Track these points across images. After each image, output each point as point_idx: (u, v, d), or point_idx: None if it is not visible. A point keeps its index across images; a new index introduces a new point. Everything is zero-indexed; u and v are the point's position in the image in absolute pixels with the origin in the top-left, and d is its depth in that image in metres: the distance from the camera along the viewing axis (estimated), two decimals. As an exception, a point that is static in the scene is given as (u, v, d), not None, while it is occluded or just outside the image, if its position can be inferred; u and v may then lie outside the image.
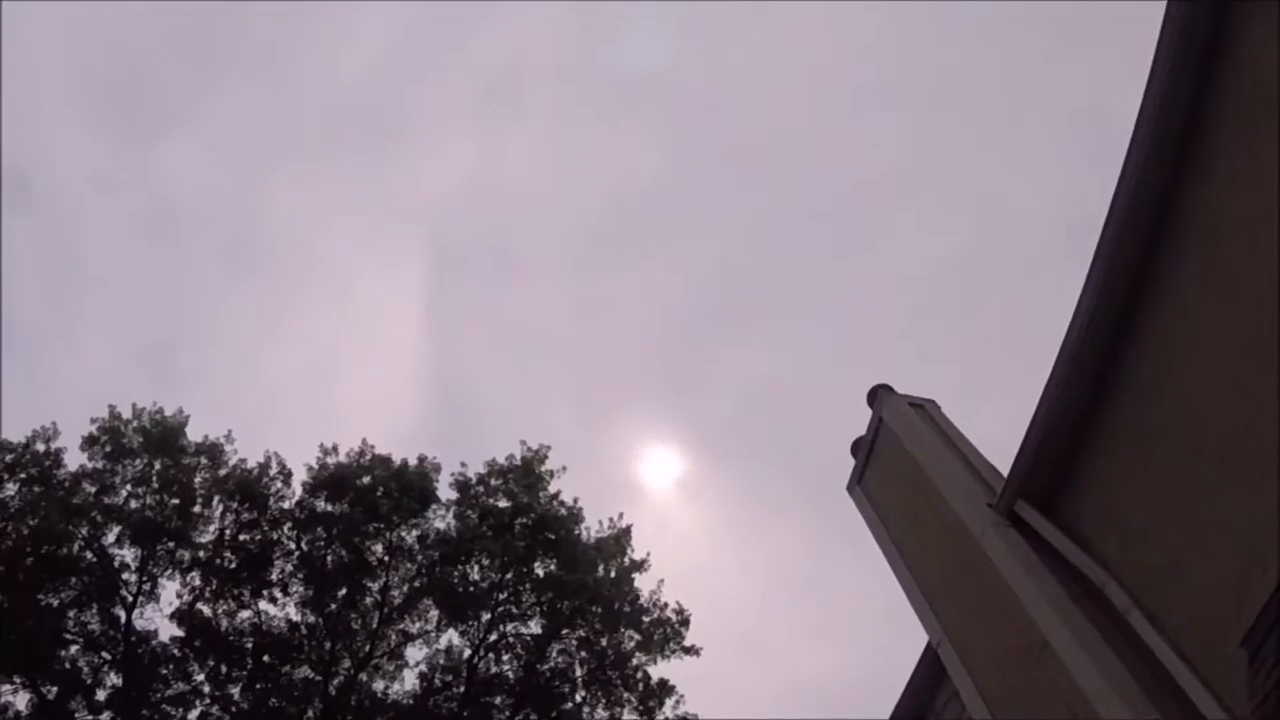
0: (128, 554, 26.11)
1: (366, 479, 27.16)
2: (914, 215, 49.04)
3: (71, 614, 25.41)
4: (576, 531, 27.66)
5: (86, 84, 46.07)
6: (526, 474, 27.88)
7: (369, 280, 52.42)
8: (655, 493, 48.04)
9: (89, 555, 25.55)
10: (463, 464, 28.24)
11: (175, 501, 26.33)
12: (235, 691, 26.15)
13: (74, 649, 25.28)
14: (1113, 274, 8.06)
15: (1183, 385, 7.61)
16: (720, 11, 43.51)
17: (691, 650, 27.27)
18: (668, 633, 27.25)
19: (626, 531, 28.18)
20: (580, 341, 53.82)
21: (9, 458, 25.57)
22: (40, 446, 26.03)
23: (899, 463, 10.78)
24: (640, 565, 27.83)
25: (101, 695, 25.16)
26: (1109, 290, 8.11)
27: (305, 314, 51.73)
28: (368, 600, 27.30)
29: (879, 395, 11.59)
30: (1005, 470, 9.29)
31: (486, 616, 27.19)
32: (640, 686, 26.94)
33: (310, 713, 26.05)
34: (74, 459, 26.30)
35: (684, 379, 53.55)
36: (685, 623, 27.40)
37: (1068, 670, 7.11)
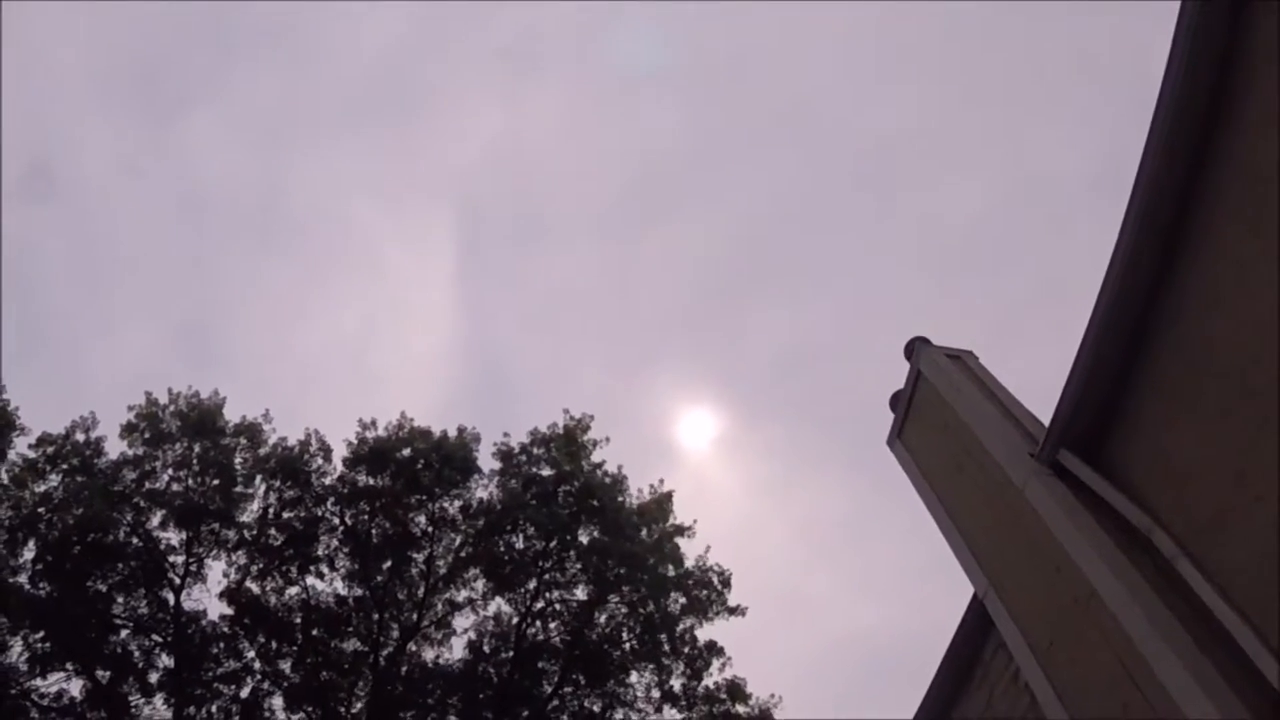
0: (173, 537, 26.44)
1: (407, 451, 27.31)
2: (942, 170, 48.59)
3: (120, 599, 25.77)
4: (620, 499, 27.68)
5: (105, 69, 46.35)
6: (569, 442, 27.91)
7: (398, 251, 52.63)
8: (692, 453, 48.19)
9: (135, 540, 25.86)
10: (505, 434, 28.41)
11: (216, 483, 26.55)
12: (286, 666, 26.50)
13: (124, 633, 25.65)
14: (1150, 217, 7.87)
15: (1226, 328, 7.44)
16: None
17: (736, 610, 27.35)
18: (711, 595, 27.29)
19: (668, 497, 28.22)
20: (612, 303, 53.87)
21: (50, 449, 25.87)
22: (80, 436, 26.31)
23: (939, 415, 10.64)
24: (684, 530, 27.89)
25: (154, 677, 25.55)
26: (1148, 234, 7.92)
27: (336, 288, 52.05)
28: (413, 571, 27.52)
29: (916, 348, 11.44)
30: (1046, 420, 9.18)
31: (533, 584, 27.33)
32: (687, 650, 27.03)
33: (361, 684, 26.36)
34: (114, 447, 26.69)
35: (717, 338, 53.54)
36: (727, 583, 27.47)
37: (1116, 619, 6.98)
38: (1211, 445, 7.27)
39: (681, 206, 53.82)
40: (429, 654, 27.32)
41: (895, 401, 11.84)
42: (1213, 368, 7.51)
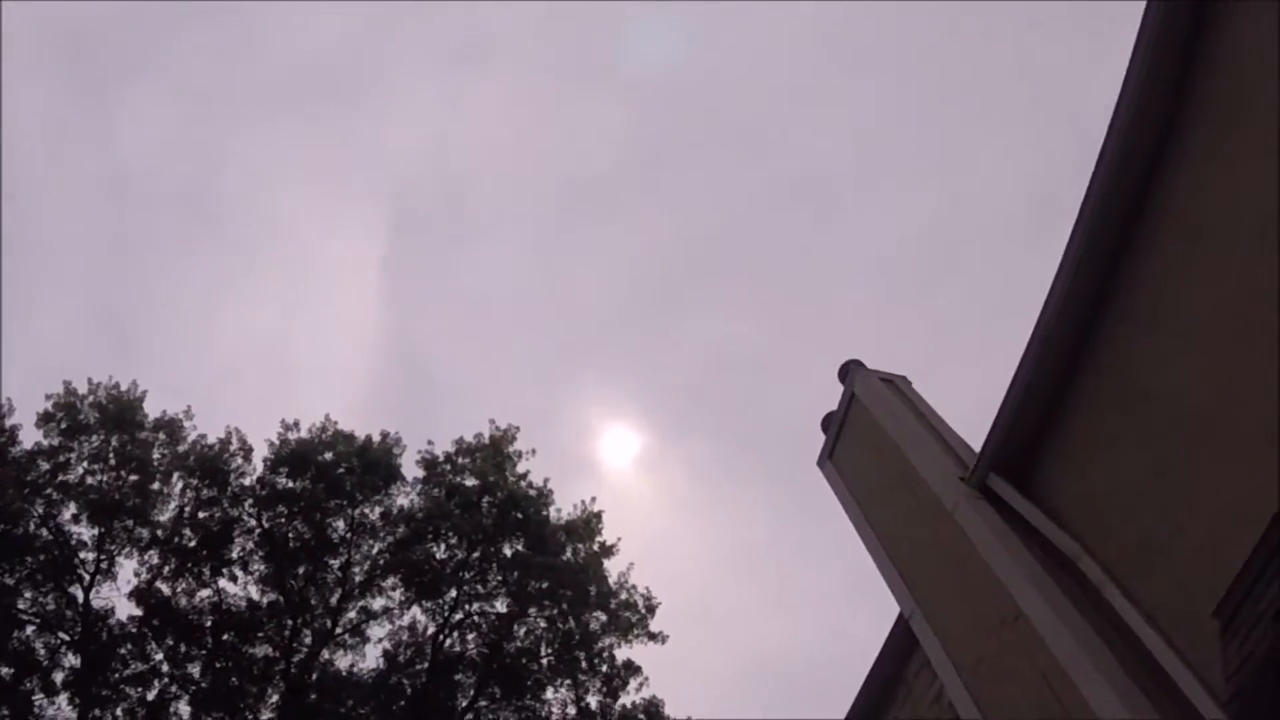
0: (84, 532, 25.58)
1: (329, 455, 26.84)
2: (880, 191, 49.23)
3: (28, 594, 24.90)
4: (545, 513, 27.49)
5: (32, 35, 44.71)
6: (495, 453, 27.65)
7: (327, 244, 51.94)
8: (615, 464, 48.06)
9: (45, 533, 25.06)
10: (430, 441, 28.00)
11: (133, 478, 25.84)
12: (195, 670, 25.78)
13: (30, 630, 24.77)
14: (1091, 248, 8.06)
15: (1157, 359, 7.62)
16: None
17: (657, 637, 27.24)
18: (633, 618, 27.20)
19: (597, 516, 28.04)
20: (540, 310, 53.62)
21: (-39, 436, 24.99)
22: (-7, 423, 25.47)
23: (871, 437, 10.77)
24: (610, 550, 27.75)
25: (59, 676, 24.66)
26: (1087, 264, 8.10)
27: (261, 278, 51.11)
28: (329, 578, 27.01)
29: (851, 371, 11.58)
30: (976, 445, 9.34)
31: (452, 594, 26.97)
32: (605, 668, 26.89)
33: (271, 691, 25.81)
34: (29, 436, 25.78)
35: (646, 348, 53.56)
36: (652, 610, 27.35)
37: (1042, 639, 7.11)
38: (1139, 473, 7.43)
39: (618, 213, 53.90)
40: (343, 662, 26.76)
41: (827, 423, 11.95)
42: (1141, 399, 7.68)
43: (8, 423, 25.52)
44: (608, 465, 48.71)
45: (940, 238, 47.06)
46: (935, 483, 9.26)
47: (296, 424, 27.07)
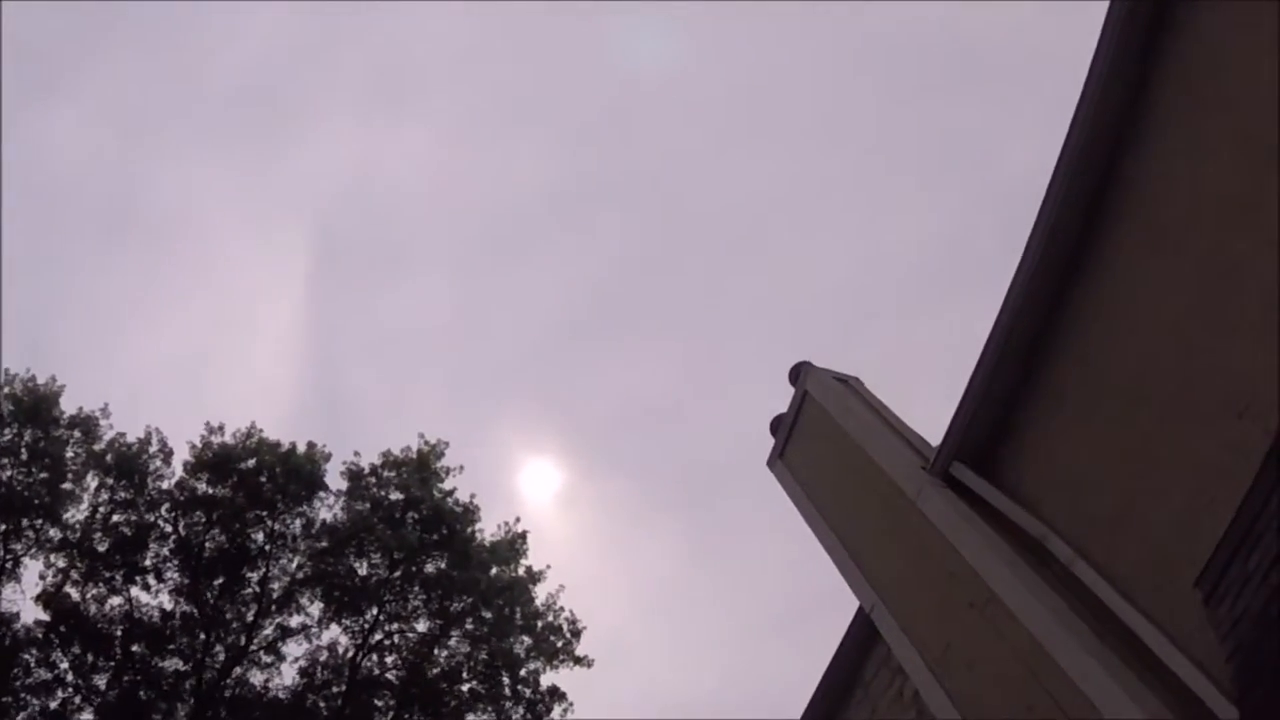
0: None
1: (251, 462, 26.06)
2: (796, 236, 49.81)
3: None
4: (470, 530, 26.93)
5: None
6: (421, 467, 27.05)
7: (249, 268, 50.88)
8: (531, 500, 47.52)
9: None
10: (356, 453, 27.34)
11: (44, 476, 24.78)
12: (101, 681, 24.72)
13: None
14: (1053, 235, 8.12)
15: (1119, 342, 7.69)
16: (620, 27, 43.75)
17: (583, 661, 26.79)
18: (559, 642, 26.70)
19: (522, 537, 27.56)
20: (460, 344, 53.19)
21: None
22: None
23: (826, 434, 10.61)
24: (538, 577, 27.23)
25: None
26: (1049, 250, 8.15)
27: (181, 299, 49.75)
28: (246, 591, 26.11)
29: (803, 370, 11.48)
30: (931, 444, 9.25)
31: (373, 613, 26.27)
32: (529, 693, 26.32)
33: (180, 706, 24.79)
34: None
35: (561, 386, 53.34)
36: (577, 634, 26.93)
37: (1015, 618, 6.92)
38: (1107, 452, 7.41)
39: (539, 250, 53.76)
40: (257, 679, 25.84)
41: (776, 424, 11.84)
42: (1104, 381, 7.68)
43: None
44: (525, 499, 48.20)
45: (854, 285, 47.73)
46: (896, 474, 9.08)
47: (221, 428, 26.30)
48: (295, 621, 26.51)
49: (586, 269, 52.44)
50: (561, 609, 26.86)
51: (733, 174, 50.41)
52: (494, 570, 26.75)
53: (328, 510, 26.86)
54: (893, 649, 8.43)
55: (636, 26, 42.64)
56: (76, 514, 25.28)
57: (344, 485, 26.96)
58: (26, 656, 24.07)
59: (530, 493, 48.29)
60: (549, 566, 27.40)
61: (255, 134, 50.99)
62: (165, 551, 25.64)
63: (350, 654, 26.38)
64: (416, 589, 26.54)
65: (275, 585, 26.41)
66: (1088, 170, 7.93)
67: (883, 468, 9.33)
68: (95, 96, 46.93)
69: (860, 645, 9.26)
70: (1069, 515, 7.44)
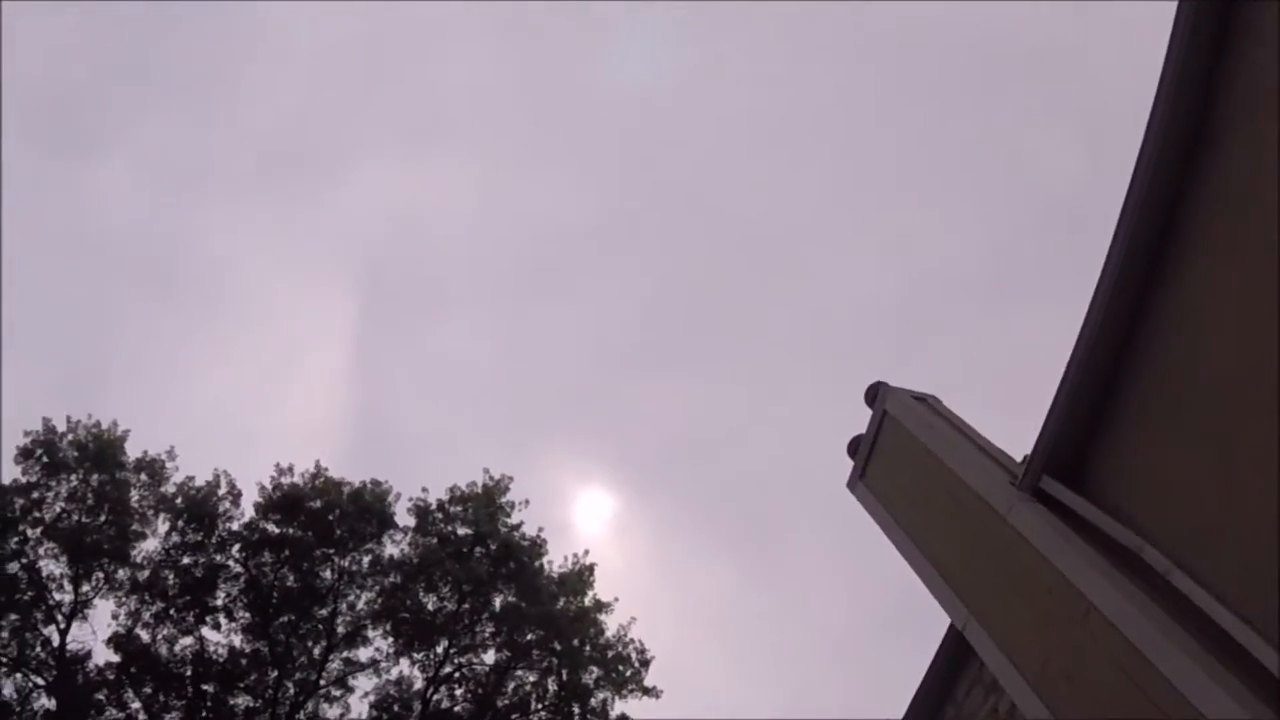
0: (60, 572, 24.95)
1: (319, 502, 26.36)
2: (840, 256, 49.68)
3: (1, 634, 24.14)
4: (538, 563, 27.08)
5: (11, 98, 44.59)
6: (488, 502, 27.29)
7: (298, 313, 51.72)
8: (585, 529, 47.46)
9: (19, 573, 24.36)
10: (424, 489, 27.65)
11: (112, 519, 25.24)
12: (173, 720, 25.05)
13: (1, 670, 23.97)
14: (1136, 240, 8.06)
15: (1205, 348, 7.62)
16: (659, 49, 44.02)
17: (651, 691, 26.74)
18: (628, 672, 26.68)
19: (590, 569, 27.75)
20: (508, 376, 53.47)
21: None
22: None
23: (908, 453, 10.56)
24: (605, 606, 27.31)
25: (31, 721, 23.87)
26: (1132, 258, 8.10)
27: (231, 347, 50.69)
28: (316, 627, 26.37)
29: (880, 390, 11.45)
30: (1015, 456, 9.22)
31: (443, 646, 26.41)
32: (599, 723, 26.32)
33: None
34: (7, 474, 25.14)
35: (612, 415, 53.38)
36: (646, 664, 26.93)
37: (1114, 628, 6.89)
38: (1197, 462, 7.34)
39: (583, 278, 54.04)
40: (331, 714, 26.10)
41: (855, 446, 11.78)
42: (1197, 390, 7.62)
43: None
44: (577, 528, 48.17)
45: (917, 295, 47.47)
46: (985, 490, 9.03)
47: (291, 469, 26.66)
48: (364, 655, 26.79)
49: (626, 298, 52.63)
50: (631, 640, 26.86)
51: (766, 186, 50.43)
52: (561, 602, 26.85)
53: (395, 547, 27.18)
54: (988, 665, 8.38)
55: (649, 44, 42.93)
56: (146, 555, 25.68)
57: (411, 521, 27.22)
58: (99, 697, 24.37)
59: (583, 522, 48.36)
60: (617, 599, 27.52)
61: (296, 179, 51.78)
62: (235, 591, 26.02)
63: (420, 688, 26.52)
64: (486, 620, 26.66)
65: (341, 621, 26.68)
66: (1165, 177, 7.86)
67: (970, 485, 9.29)
68: (139, 150, 47.97)
69: (952, 663, 9.22)
70: (1162, 525, 7.39)
